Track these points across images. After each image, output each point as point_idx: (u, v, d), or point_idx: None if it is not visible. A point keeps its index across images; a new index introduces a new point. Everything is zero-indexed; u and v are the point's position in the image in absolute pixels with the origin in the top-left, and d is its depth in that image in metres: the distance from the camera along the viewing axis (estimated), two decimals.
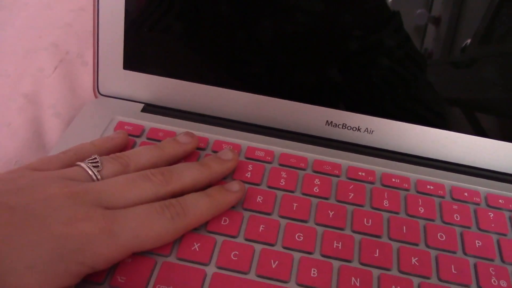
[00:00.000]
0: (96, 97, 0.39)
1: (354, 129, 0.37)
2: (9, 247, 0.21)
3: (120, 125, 0.36)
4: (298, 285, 0.27)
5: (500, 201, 0.34)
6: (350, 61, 0.35)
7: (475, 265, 0.30)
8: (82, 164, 0.28)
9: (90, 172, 0.27)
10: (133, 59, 0.37)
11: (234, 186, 0.30)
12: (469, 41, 0.33)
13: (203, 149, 0.35)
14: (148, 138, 0.35)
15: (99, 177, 0.27)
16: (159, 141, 0.34)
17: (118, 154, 0.29)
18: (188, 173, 0.29)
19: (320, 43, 0.35)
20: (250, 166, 0.34)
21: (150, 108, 0.38)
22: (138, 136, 0.35)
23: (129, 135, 0.35)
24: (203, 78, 0.37)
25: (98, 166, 0.28)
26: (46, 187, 0.24)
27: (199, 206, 0.27)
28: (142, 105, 0.38)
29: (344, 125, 0.37)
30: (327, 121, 0.37)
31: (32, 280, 0.21)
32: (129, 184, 0.27)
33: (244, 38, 0.35)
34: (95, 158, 0.28)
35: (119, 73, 0.38)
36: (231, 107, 0.37)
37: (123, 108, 0.38)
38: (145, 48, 0.37)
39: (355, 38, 0.34)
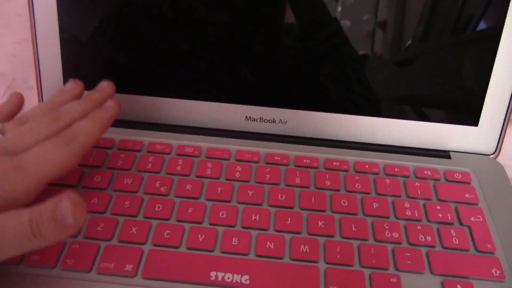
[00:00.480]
0: None
1: (270, 121, 0.43)
2: None
3: None
4: (222, 252, 0.33)
5: (396, 169, 0.40)
6: (260, 63, 0.41)
7: (372, 223, 0.36)
8: None
9: None
10: (72, 78, 0.42)
11: (109, 102, 0.37)
12: (368, 27, 0.39)
13: (139, 151, 0.40)
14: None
15: (1, 137, 0.32)
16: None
17: (17, 117, 0.35)
18: (74, 108, 0.35)
19: (234, 51, 0.41)
20: (180, 161, 0.39)
21: None
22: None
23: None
24: (134, 89, 0.42)
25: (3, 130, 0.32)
26: None
27: (86, 127, 0.33)
28: None
29: (261, 118, 0.43)
30: (246, 116, 0.43)
31: None
32: (26, 131, 0.32)
33: (169, 51, 0.41)
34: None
35: None
36: (162, 113, 0.43)
37: None
38: (81, 68, 0.42)
39: (260, 43, 0.40)
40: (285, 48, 0.40)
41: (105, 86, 0.39)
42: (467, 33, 0.39)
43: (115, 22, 0.41)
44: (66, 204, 0.26)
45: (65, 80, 0.42)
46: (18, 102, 0.38)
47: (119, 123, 0.42)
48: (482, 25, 0.39)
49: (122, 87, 0.41)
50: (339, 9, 0.39)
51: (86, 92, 0.38)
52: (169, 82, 0.42)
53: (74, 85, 0.39)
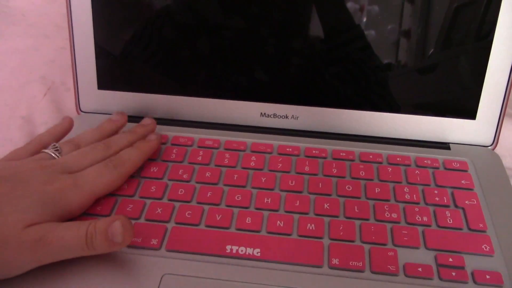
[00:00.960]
0: (78, 114, 0.49)
1: (283, 117, 0.47)
2: (4, 200, 0.31)
3: None
4: (236, 229, 0.37)
5: (398, 159, 0.44)
6: (273, 64, 0.45)
7: (373, 205, 0.39)
8: (47, 151, 0.38)
9: (53, 155, 0.37)
10: (105, 81, 0.47)
11: (152, 136, 0.42)
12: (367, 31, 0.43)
13: (164, 143, 0.45)
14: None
15: (60, 156, 0.38)
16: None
17: (70, 139, 0.40)
18: (123, 139, 0.41)
19: (249, 54, 0.45)
20: (200, 152, 0.44)
21: None
22: None
23: None
24: (161, 89, 0.47)
25: (58, 150, 0.38)
26: (25, 164, 0.35)
27: (132, 155, 0.39)
28: None
29: (275, 114, 0.47)
30: (261, 113, 0.47)
31: (19, 217, 0.31)
32: (82, 154, 0.38)
33: (191, 55, 0.46)
34: (55, 145, 0.38)
35: (95, 93, 0.48)
36: (186, 110, 0.47)
37: (101, 121, 0.47)
38: (113, 72, 0.47)
39: (273, 46, 0.44)
40: (296, 49, 0.44)
41: (149, 122, 0.45)
42: (463, 32, 0.42)
43: (143, 31, 0.46)
44: (117, 225, 0.32)
45: (99, 83, 0.47)
46: (68, 125, 0.43)
47: (138, 119, 0.47)
48: (477, 23, 0.42)
49: (147, 88, 0.46)
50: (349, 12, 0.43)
51: (132, 124, 0.45)
52: (191, 82, 0.47)
53: (120, 116, 0.45)
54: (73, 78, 0.48)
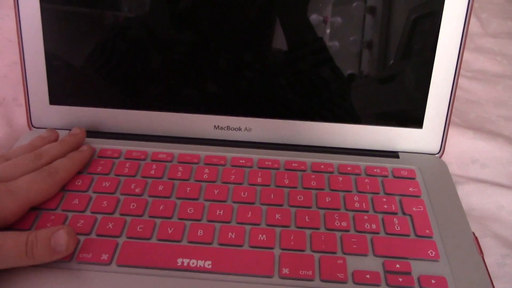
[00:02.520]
0: (30, 129, 0.48)
1: (236, 129, 0.47)
2: None
3: None
4: (188, 242, 0.37)
5: (348, 168, 0.45)
6: (226, 78, 0.46)
7: (324, 214, 0.40)
8: None
9: None
10: (57, 96, 0.47)
11: (84, 147, 0.43)
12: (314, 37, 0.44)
13: (117, 158, 0.45)
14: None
15: None
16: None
17: (0, 154, 0.40)
18: (54, 148, 0.41)
19: (202, 67, 0.45)
20: (154, 166, 0.44)
21: None
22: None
23: None
24: (114, 104, 0.47)
25: None
26: None
27: (65, 164, 0.40)
28: (68, 131, 0.48)
29: (228, 127, 0.47)
30: (214, 125, 0.47)
31: None
32: (13, 164, 0.38)
33: (143, 69, 0.46)
34: None
35: (46, 108, 0.47)
36: (138, 124, 0.47)
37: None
38: (64, 86, 0.47)
39: (225, 60, 0.45)
40: (248, 62, 0.45)
41: (78, 131, 0.45)
42: (408, 45, 0.44)
43: (94, 46, 0.46)
44: (62, 234, 0.32)
45: (51, 98, 0.46)
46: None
47: (101, 134, 0.46)
48: (420, 37, 0.44)
49: (100, 102, 0.46)
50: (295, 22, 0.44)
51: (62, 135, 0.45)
52: (144, 96, 0.47)
53: (51, 132, 0.45)
54: (24, 93, 0.47)
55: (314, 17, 0.44)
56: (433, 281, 0.35)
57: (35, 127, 0.48)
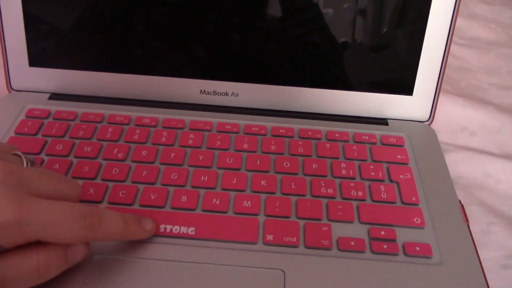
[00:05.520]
0: (9, 92, 0.46)
1: (223, 94, 0.46)
2: None
3: (30, 112, 0.44)
4: (171, 208, 0.36)
5: (336, 135, 0.44)
6: (213, 40, 0.44)
7: (310, 181, 0.39)
8: (20, 153, 0.31)
9: (25, 162, 0.31)
10: (36, 58, 0.45)
11: (148, 225, 0.33)
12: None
13: (100, 122, 0.43)
14: (53, 119, 0.43)
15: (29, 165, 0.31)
16: (62, 120, 0.43)
17: None
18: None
19: (188, 29, 0.44)
20: (137, 130, 0.43)
21: (55, 96, 0.46)
22: (45, 118, 0.43)
23: (38, 118, 0.43)
24: (97, 67, 0.45)
25: (33, 163, 0.31)
26: None
27: (112, 228, 0.30)
28: (49, 94, 0.46)
29: (215, 91, 0.46)
30: (201, 90, 0.46)
31: None
32: (53, 177, 0.30)
33: (128, 31, 0.44)
34: (33, 159, 0.32)
35: (26, 70, 0.46)
36: (123, 88, 0.46)
37: (32, 98, 0.45)
38: (45, 48, 0.45)
39: (211, 21, 0.43)
40: (236, 26, 0.44)
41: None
42: (400, 12, 0.43)
43: (76, 5, 0.44)
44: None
45: (30, 60, 0.45)
46: None
47: (79, 97, 0.45)
48: (412, 3, 0.42)
49: (82, 65, 0.45)
50: None
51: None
52: (128, 59, 0.45)
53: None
54: (3, 55, 0.45)
55: None
56: (417, 248, 0.34)
57: (14, 90, 0.46)
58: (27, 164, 0.31)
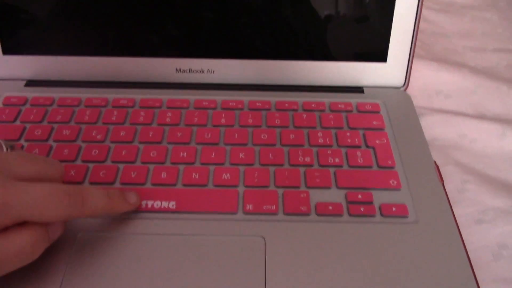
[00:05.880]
0: None
1: (199, 71, 0.46)
2: None
3: (7, 99, 0.44)
4: (152, 184, 0.37)
5: (313, 105, 0.44)
6: (184, 17, 0.44)
7: (288, 151, 0.40)
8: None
9: (4, 146, 0.31)
10: (10, 46, 0.45)
11: (132, 198, 0.34)
12: None
13: (77, 106, 0.44)
14: (31, 105, 0.43)
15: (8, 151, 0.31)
16: (40, 106, 0.43)
17: None
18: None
19: (158, 7, 0.44)
20: (115, 112, 0.43)
21: (32, 82, 0.46)
22: (22, 105, 0.44)
23: (15, 105, 0.43)
24: (71, 51, 0.45)
25: (12, 147, 0.32)
26: None
27: (97, 203, 0.30)
28: (25, 81, 0.46)
29: (190, 69, 0.46)
30: (176, 68, 0.46)
31: None
32: (35, 159, 0.30)
33: (99, 13, 0.44)
34: (13, 143, 0.33)
35: (0, 58, 0.46)
36: (98, 71, 0.46)
37: (9, 86, 0.46)
38: (17, 35, 0.45)
39: None
40: (206, 0, 0.44)
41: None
42: None
43: None
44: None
45: (3, 48, 0.45)
46: None
47: (55, 82, 0.45)
48: None
49: (56, 50, 0.45)
50: None
51: None
52: (101, 41, 0.45)
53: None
54: None
55: None
56: (394, 209, 0.35)
57: None
58: (7, 149, 0.31)
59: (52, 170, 0.31)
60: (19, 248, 0.27)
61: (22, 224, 0.27)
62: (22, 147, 0.39)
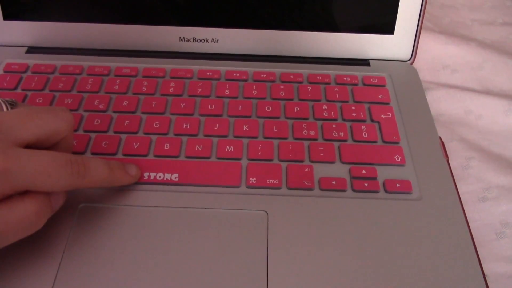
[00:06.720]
0: None
1: (203, 40, 0.46)
2: None
3: (8, 66, 0.43)
4: (155, 156, 0.37)
5: (318, 77, 0.44)
6: None
7: (292, 124, 0.40)
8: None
9: (3, 105, 0.30)
10: (10, 11, 0.44)
11: (133, 170, 0.34)
12: None
13: (79, 74, 0.43)
14: (32, 72, 0.43)
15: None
16: (41, 74, 0.42)
17: None
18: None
19: None
20: (117, 81, 0.42)
21: (33, 49, 0.45)
22: (23, 72, 0.43)
23: (16, 72, 0.42)
24: (74, 17, 0.44)
25: (13, 104, 0.30)
26: None
27: (98, 173, 0.30)
28: (26, 48, 0.45)
29: (194, 38, 0.45)
30: (180, 37, 0.45)
31: None
32: (37, 116, 0.29)
33: None
34: (13, 100, 0.30)
35: (1, 24, 0.45)
36: (101, 38, 0.45)
37: (9, 53, 0.45)
38: (19, 0, 0.44)
39: None
40: None
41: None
42: None
43: None
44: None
45: (4, 13, 0.44)
46: None
47: (56, 49, 0.44)
48: None
49: (60, 16, 0.44)
50: None
51: None
52: (105, 8, 0.44)
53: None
54: None
55: None
56: (397, 185, 0.35)
57: None
58: (7, 108, 0.30)
59: (58, 122, 0.30)
60: (23, 217, 0.27)
61: (24, 193, 0.27)
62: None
